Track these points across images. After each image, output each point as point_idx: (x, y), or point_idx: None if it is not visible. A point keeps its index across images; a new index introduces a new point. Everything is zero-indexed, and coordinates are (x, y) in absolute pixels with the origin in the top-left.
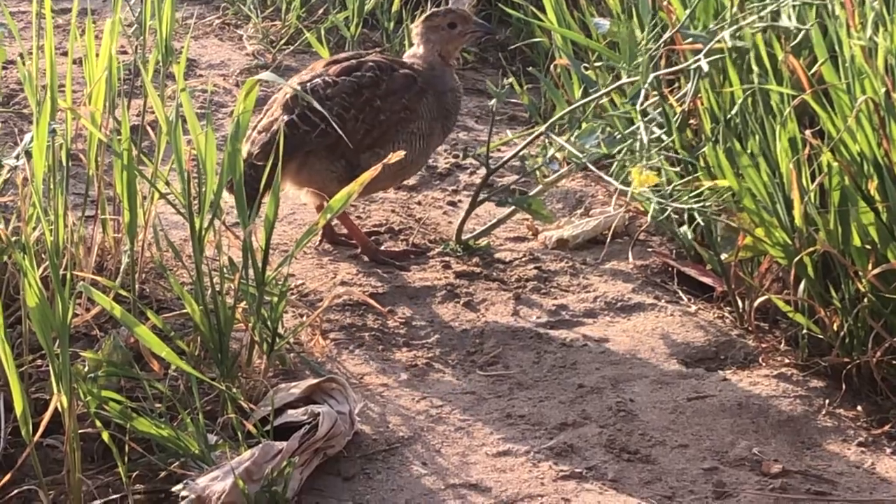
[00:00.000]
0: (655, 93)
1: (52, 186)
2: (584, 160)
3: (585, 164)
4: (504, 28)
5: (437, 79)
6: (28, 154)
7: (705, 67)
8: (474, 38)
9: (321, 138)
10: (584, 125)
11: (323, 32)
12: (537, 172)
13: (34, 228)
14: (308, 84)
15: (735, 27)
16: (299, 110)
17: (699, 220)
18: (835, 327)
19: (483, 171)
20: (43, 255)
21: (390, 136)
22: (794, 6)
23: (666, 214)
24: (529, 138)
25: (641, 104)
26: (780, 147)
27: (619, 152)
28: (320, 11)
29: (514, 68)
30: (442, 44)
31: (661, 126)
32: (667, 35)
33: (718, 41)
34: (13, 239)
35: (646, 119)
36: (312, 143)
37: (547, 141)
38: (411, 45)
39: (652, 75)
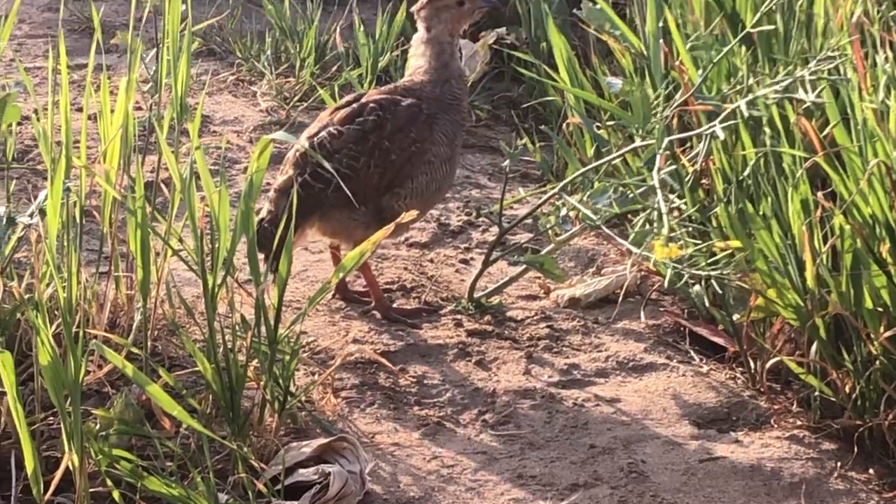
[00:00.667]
0: (668, 153)
1: (65, 243)
2: (597, 222)
3: (598, 225)
4: (516, 86)
5: (445, 76)
6: (42, 212)
7: (720, 135)
8: (481, 13)
9: (337, 192)
10: (596, 184)
11: (336, 89)
12: (549, 231)
13: (47, 285)
14: (315, 139)
15: (749, 97)
16: (311, 168)
17: (714, 284)
18: (847, 389)
19: (495, 228)
20: (56, 312)
21: (406, 172)
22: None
23: (683, 281)
24: (543, 199)
25: (657, 170)
26: (792, 209)
27: (634, 214)
28: (334, 68)
29: (526, 126)
30: (452, 22)
31: (676, 193)
32: (680, 99)
33: (732, 109)
34: (26, 296)
35: (661, 182)
36: (330, 199)
37: (560, 203)
38: (414, 29)
39: (666, 139)
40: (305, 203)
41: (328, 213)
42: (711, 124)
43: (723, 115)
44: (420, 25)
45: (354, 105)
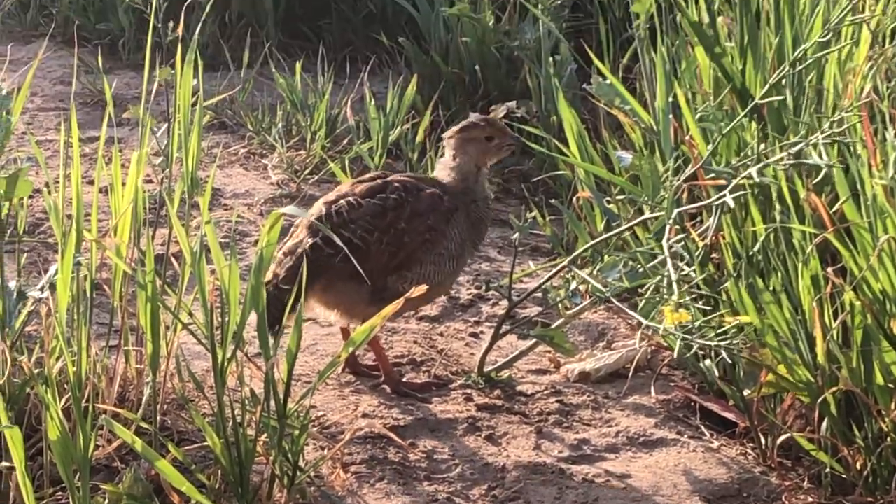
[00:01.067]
0: (678, 226)
1: (75, 317)
2: (606, 294)
3: (608, 298)
4: (527, 159)
5: (468, 190)
6: (52, 286)
7: (731, 203)
8: (509, 150)
9: (344, 263)
10: (606, 258)
11: (347, 162)
12: (559, 305)
13: (57, 359)
14: (333, 207)
15: (761, 164)
16: (323, 233)
17: (724, 355)
18: (858, 466)
19: (505, 302)
20: (65, 387)
21: (417, 257)
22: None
23: (693, 352)
24: (552, 272)
25: (667, 240)
26: (802, 284)
27: (644, 287)
28: (345, 141)
29: (536, 199)
30: (479, 155)
31: (687, 263)
32: (689, 170)
33: (742, 178)
34: (36, 371)
35: (671, 252)
36: (336, 268)
37: (570, 276)
38: (441, 155)
39: (676, 211)
40: (312, 266)
41: (332, 283)
42: (721, 194)
43: (732, 184)
44: (447, 151)
45: (378, 181)
